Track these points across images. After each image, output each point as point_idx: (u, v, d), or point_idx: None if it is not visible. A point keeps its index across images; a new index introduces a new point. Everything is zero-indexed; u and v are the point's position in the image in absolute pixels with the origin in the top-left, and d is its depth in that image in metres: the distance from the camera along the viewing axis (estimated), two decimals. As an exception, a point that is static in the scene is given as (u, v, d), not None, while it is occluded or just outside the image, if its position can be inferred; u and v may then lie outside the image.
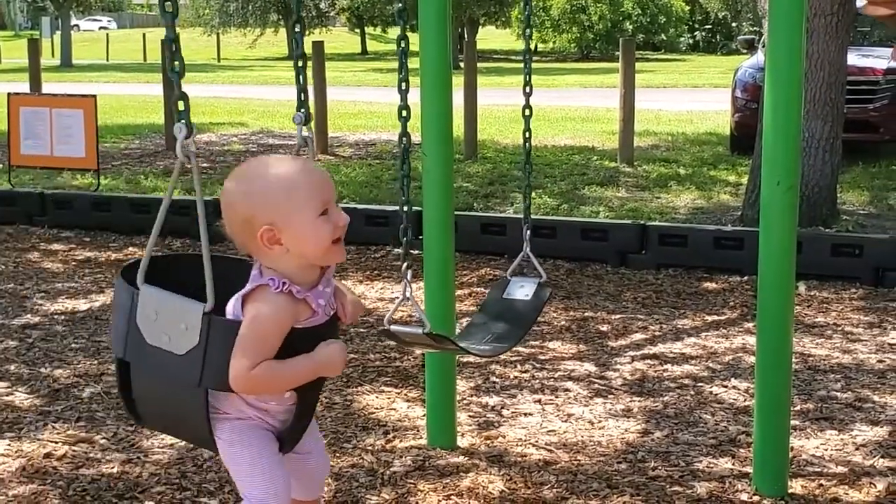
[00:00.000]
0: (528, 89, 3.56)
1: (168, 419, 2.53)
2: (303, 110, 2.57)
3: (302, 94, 2.61)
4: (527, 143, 3.62)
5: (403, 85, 2.54)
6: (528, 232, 3.61)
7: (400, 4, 2.43)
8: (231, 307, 2.38)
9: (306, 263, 2.35)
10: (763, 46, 11.64)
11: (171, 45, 2.36)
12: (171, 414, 2.47)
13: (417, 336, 2.89)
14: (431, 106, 3.70)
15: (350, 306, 2.48)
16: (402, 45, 2.51)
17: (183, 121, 2.32)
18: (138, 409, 2.51)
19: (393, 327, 2.90)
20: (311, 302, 2.34)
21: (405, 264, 2.94)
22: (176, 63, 2.36)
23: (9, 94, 9.52)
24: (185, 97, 2.34)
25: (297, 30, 2.64)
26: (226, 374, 2.28)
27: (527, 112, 3.58)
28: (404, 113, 2.75)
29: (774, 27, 3.33)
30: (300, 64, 2.62)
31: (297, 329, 2.32)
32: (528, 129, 3.58)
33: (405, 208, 2.98)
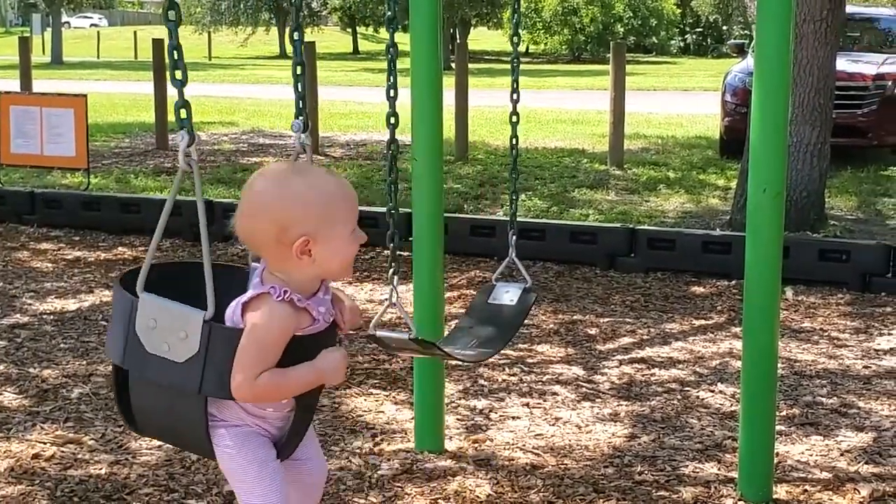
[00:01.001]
0: (515, 97, 3.57)
1: (166, 427, 2.49)
2: (301, 117, 2.53)
3: (301, 101, 2.56)
4: (514, 150, 3.63)
5: (392, 92, 2.55)
6: (514, 238, 3.63)
7: (390, 13, 2.43)
8: (230, 314, 2.35)
9: (320, 275, 2.35)
10: (753, 51, 11.65)
11: (172, 54, 2.34)
12: (169, 422, 2.44)
13: (403, 341, 2.91)
14: (422, 109, 3.71)
15: (348, 313, 2.46)
16: (392, 52, 2.52)
17: (185, 129, 2.31)
18: (135, 417, 2.48)
19: (379, 332, 2.92)
20: (312, 310, 2.33)
21: (392, 269, 2.96)
22: (178, 72, 2.34)
23: (-1, 93, 9.52)
24: (187, 105, 2.32)
25: (296, 37, 2.60)
26: (226, 382, 2.26)
27: (514, 119, 3.60)
28: (392, 120, 2.76)
29: (762, 35, 3.35)
30: (299, 71, 2.59)
31: (297, 336, 2.30)
32: (514, 135, 3.60)
33: (392, 213, 2.99)
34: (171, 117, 14.22)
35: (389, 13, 2.49)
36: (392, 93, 2.55)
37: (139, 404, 2.44)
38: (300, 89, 2.54)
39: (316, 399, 2.52)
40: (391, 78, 2.56)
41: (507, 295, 3.50)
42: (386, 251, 7.22)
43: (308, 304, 2.32)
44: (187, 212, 7.79)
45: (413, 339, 2.87)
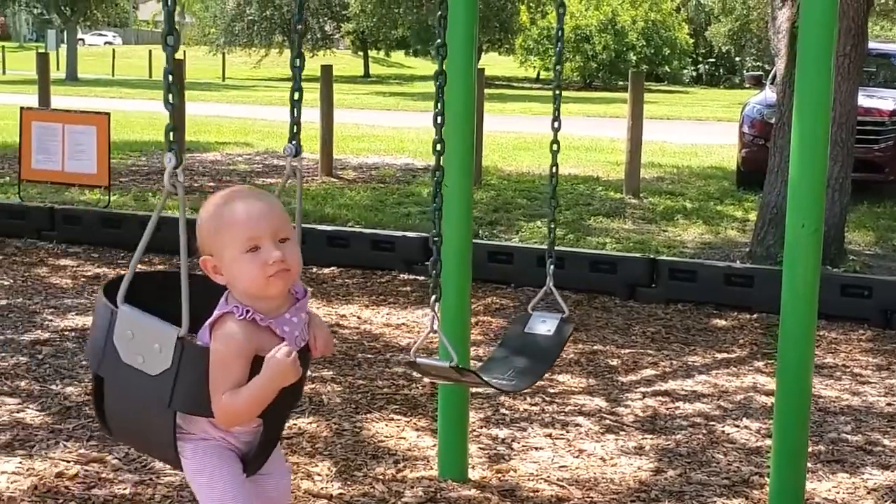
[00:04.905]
0: (556, 125, 3.57)
1: (136, 435, 2.58)
2: (294, 142, 2.60)
3: (295, 126, 2.63)
4: (553, 179, 3.63)
5: (439, 119, 2.55)
6: (552, 266, 3.60)
7: (440, 40, 2.43)
8: (201, 332, 2.41)
9: (248, 295, 2.36)
10: (771, 83, 11.70)
11: (167, 77, 2.40)
12: (139, 431, 2.52)
13: (444, 369, 2.90)
14: (456, 137, 3.71)
15: (321, 341, 2.49)
16: (440, 80, 2.51)
17: (173, 150, 2.37)
18: (109, 424, 2.55)
19: (419, 360, 2.91)
20: (276, 328, 2.36)
21: (433, 297, 2.95)
22: (171, 95, 2.40)
23: (21, 109, 9.53)
24: (176, 129, 2.38)
25: (297, 64, 2.67)
26: (196, 398, 2.32)
27: (554, 147, 3.60)
28: (439, 147, 2.76)
29: (803, 73, 3.33)
30: (296, 97, 2.66)
31: (261, 358, 2.32)
32: (555, 163, 3.60)
33: (435, 240, 2.99)
34: (187, 137, 13.99)
35: (439, 40, 2.49)
36: (440, 119, 2.55)
37: (113, 411, 2.52)
38: (296, 114, 2.62)
39: (282, 419, 2.58)
40: (439, 105, 2.55)
41: (544, 325, 3.48)
42: (402, 275, 7.25)
43: (271, 323, 2.36)
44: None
45: (454, 366, 2.86)
